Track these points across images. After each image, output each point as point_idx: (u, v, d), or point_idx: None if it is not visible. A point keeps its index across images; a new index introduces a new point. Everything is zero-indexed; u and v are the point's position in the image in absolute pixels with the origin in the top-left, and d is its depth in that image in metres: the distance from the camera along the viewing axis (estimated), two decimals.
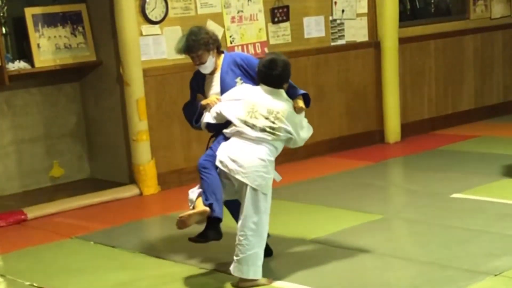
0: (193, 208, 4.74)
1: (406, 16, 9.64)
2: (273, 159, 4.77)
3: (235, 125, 4.77)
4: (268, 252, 5.10)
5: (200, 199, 4.73)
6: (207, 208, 4.67)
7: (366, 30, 8.89)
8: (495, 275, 4.62)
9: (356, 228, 5.81)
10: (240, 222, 4.72)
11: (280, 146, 4.83)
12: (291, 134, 4.78)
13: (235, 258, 4.71)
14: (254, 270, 4.70)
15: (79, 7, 7.61)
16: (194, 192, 4.85)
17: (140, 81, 7.19)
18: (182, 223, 4.66)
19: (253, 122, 4.71)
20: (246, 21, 7.94)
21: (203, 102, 5.00)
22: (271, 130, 4.71)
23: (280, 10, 8.18)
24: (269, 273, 4.85)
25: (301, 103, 4.85)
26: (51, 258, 5.61)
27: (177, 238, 5.87)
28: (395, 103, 8.94)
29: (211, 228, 4.81)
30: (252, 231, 4.68)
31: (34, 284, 5.02)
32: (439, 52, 9.58)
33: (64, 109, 7.87)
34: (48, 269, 5.36)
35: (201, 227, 4.86)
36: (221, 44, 5.18)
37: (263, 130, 4.70)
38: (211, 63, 4.99)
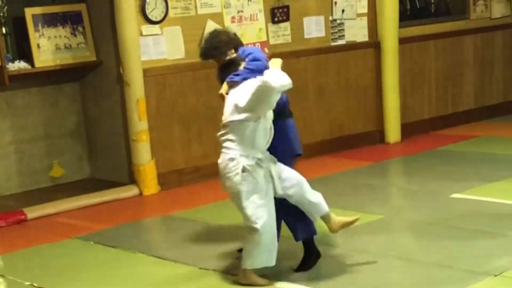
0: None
1: (406, 16, 9.63)
2: (232, 155, 4.60)
3: None
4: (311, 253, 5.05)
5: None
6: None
7: (366, 30, 8.89)
8: (495, 275, 4.62)
9: (356, 228, 5.79)
10: None
11: (242, 130, 4.59)
12: (247, 111, 4.54)
13: None
14: (251, 262, 4.72)
15: (79, 7, 7.61)
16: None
17: (140, 81, 7.18)
18: None
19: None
20: (246, 21, 7.93)
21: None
22: (223, 123, 4.65)
23: (280, 10, 8.17)
24: (269, 272, 4.85)
25: (222, 90, 4.76)
26: (51, 258, 5.61)
27: (177, 238, 5.87)
28: (395, 103, 8.94)
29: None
30: (245, 226, 4.72)
31: (34, 284, 5.02)
32: (439, 52, 9.58)
33: (64, 109, 7.86)
34: (48, 269, 5.36)
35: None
36: (240, 42, 5.16)
37: (222, 126, 4.69)
38: None
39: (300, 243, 5.01)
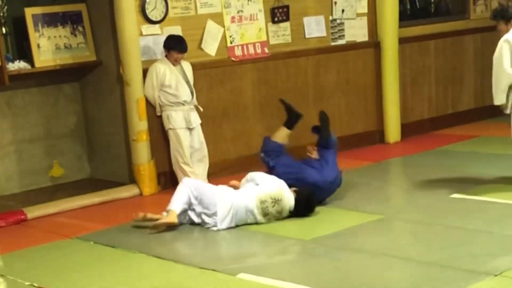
0: None
1: (406, 16, 9.64)
2: None
3: None
4: None
5: None
6: None
7: (366, 30, 8.89)
8: (495, 275, 4.62)
9: (356, 228, 5.81)
10: None
11: None
12: None
13: None
14: None
15: (79, 7, 7.61)
16: None
17: (140, 81, 7.19)
18: None
19: None
20: (246, 21, 7.93)
21: None
22: None
23: (280, 10, 8.17)
24: (269, 272, 4.85)
25: None
26: (51, 258, 5.61)
27: (177, 238, 5.87)
28: (395, 103, 8.94)
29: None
30: None
31: (34, 284, 5.02)
32: (439, 52, 9.58)
33: (64, 109, 7.87)
34: (48, 269, 5.36)
35: None
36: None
37: None
38: None
39: None
